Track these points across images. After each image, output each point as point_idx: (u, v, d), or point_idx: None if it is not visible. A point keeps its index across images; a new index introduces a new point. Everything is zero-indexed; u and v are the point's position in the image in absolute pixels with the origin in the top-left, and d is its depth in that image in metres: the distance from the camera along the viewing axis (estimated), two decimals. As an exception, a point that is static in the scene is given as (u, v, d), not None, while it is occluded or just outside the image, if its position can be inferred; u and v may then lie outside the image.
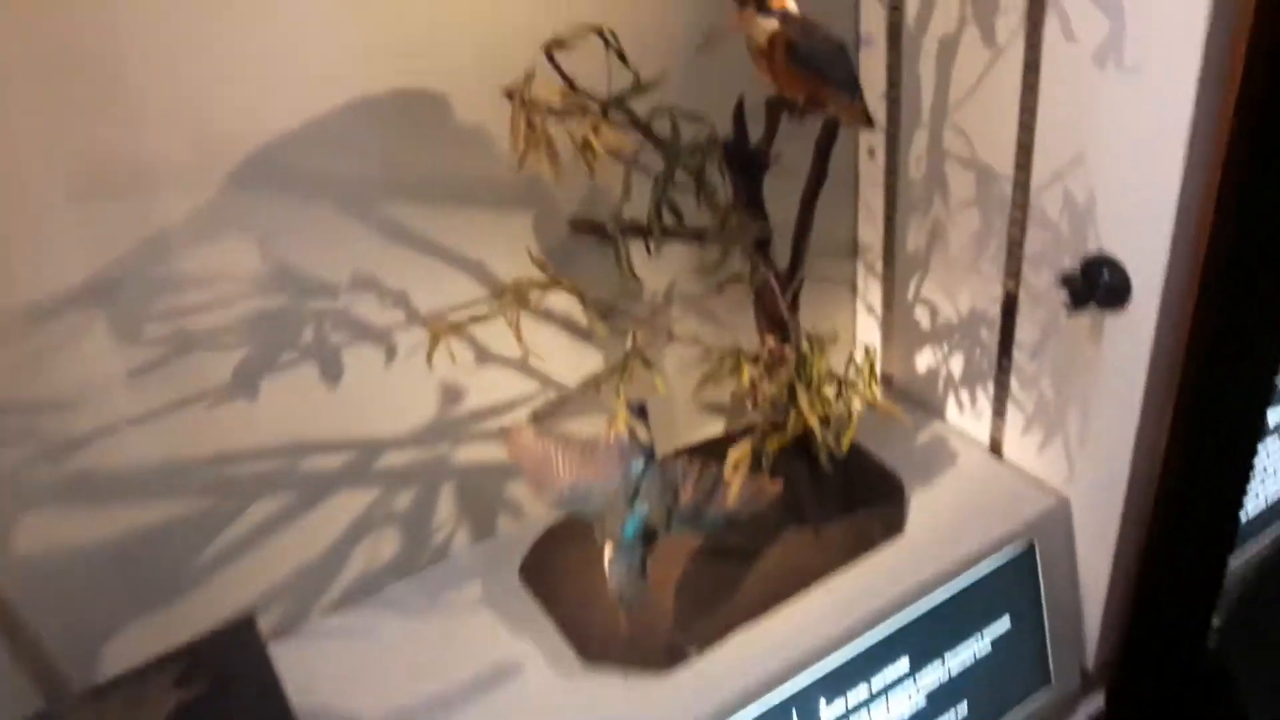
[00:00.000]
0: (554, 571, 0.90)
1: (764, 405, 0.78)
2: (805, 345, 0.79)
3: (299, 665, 0.84)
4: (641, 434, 0.79)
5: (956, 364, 1.02)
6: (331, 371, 0.82)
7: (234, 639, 0.82)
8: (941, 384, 1.05)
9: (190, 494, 0.79)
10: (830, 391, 0.79)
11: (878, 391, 0.82)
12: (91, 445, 0.74)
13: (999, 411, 0.99)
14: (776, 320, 0.84)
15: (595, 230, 0.86)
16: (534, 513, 0.96)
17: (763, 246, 0.81)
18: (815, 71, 0.73)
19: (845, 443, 0.83)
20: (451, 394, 0.88)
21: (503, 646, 0.85)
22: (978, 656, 0.92)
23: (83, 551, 0.76)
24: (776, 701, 0.81)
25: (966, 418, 1.03)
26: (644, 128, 0.74)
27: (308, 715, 0.79)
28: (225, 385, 0.78)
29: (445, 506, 0.92)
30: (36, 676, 0.70)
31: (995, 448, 1.01)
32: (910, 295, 1.04)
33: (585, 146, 0.69)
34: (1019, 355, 0.94)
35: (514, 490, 0.95)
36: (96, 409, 0.73)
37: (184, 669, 0.79)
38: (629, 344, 0.80)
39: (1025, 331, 0.93)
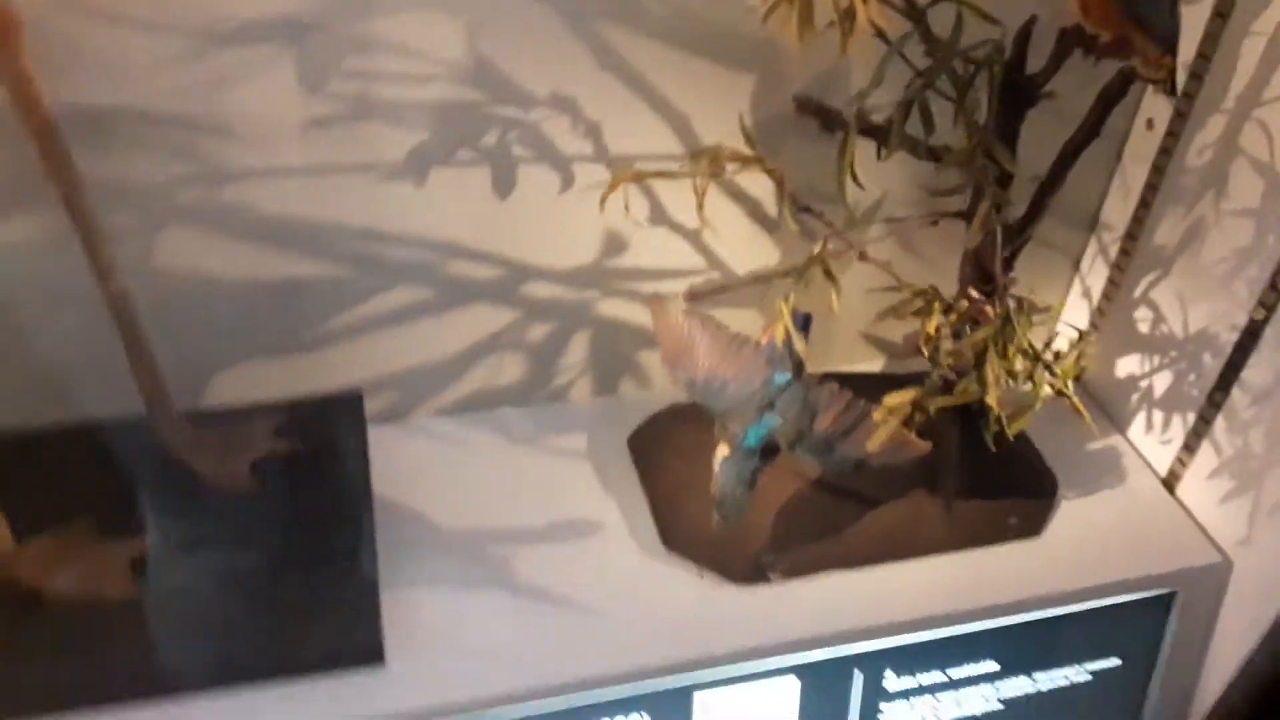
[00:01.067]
0: (662, 450, 0.86)
1: (943, 359, 0.70)
2: (1013, 309, 0.70)
3: (391, 454, 0.84)
4: (798, 346, 0.73)
5: (1162, 381, 0.91)
6: (504, 184, 0.78)
7: (338, 410, 0.82)
8: (1136, 397, 0.94)
9: (332, 259, 0.78)
10: (1020, 366, 0.70)
11: (1069, 384, 0.73)
12: (249, 182, 0.72)
13: (1190, 446, 0.88)
14: (986, 273, 0.75)
15: (823, 116, 0.78)
16: (660, 386, 0.92)
17: (1003, 187, 0.72)
18: (1134, 12, 0.62)
19: (1017, 427, 0.74)
20: (614, 244, 0.83)
21: (590, 503, 0.82)
22: (1071, 684, 0.85)
23: (215, 283, 0.77)
24: (843, 655, 0.76)
25: (1150, 441, 0.92)
26: (920, 13, 0.65)
27: (384, 501, 0.79)
28: (396, 164, 0.75)
29: (576, 351, 0.89)
30: (144, 389, 0.72)
31: (1170, 482, 0.90)
32: (1138, 292, 0.92)
33: (847, 15, 0.61)
34: (1238, 394, 0.83)
35: (647, 358, 0.91)
36: (263, 148, 0.71)
37: (284, 421, 0.80)
38: (816, 249, 0.73)
39: (1256, 372, 0.81)
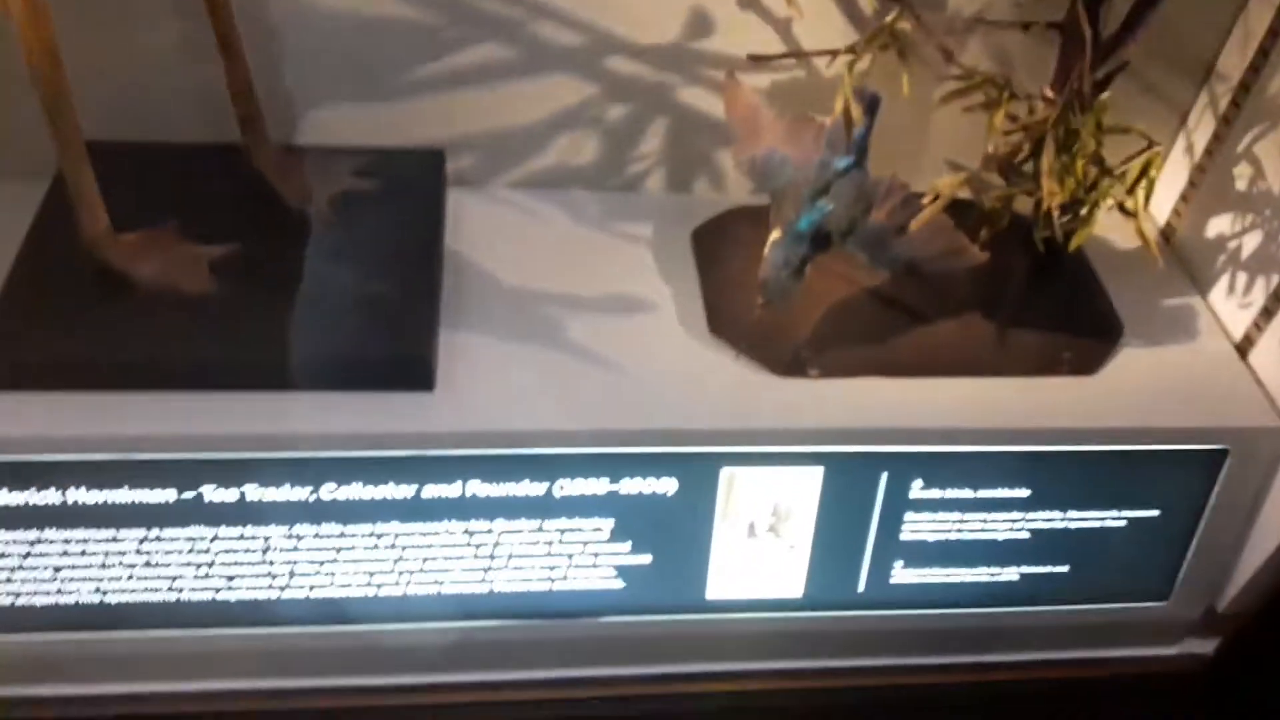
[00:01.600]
0: (723, 245, 0.87)
1: (999, 147, 0.69)
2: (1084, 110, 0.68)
3: (463, 216, 0.87)
4: (860, 129, 0.72)
5: (1251, 242, 0.87)
6: (596, -55, 0.79)
7: (420, 163, 0.86)
8: (1222, 259, 0.90)
9: (423, 5, 0.81)
10: (1084, 170, 0.68)
11: (1141, 200, 0.71)
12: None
13: (1269, 311, 0.85)
14: (1075, 91, 0.73)
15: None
16: (733, 190, 0.93)
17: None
18: None
19: (1076, 240, 0.73)
20: (699, 23, 0.83)
21: (647, 286, 0.84)
22: (1105, 528, 0.84)
23: (309, 13, 0.80)
24: (872, 453, 0.78)
25: (1229, 305, 0.89)
26: None
27: (451, 254, 0.83)
28: (494, -89, 0.77)
29: (653, 141, 0.90)
30: (241, 115, 0.77)
31: (1243, 347, 0.87)
32: (1241, 147, 0.88)
33: None
34: (1326, 257, 0.80)
35: (723, 158, 0.92)
36: None
37: (366, 165, 0.83)
38: (889, 20, 0.71)
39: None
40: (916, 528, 0.82)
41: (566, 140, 0.89)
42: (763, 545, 0.81)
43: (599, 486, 0.77)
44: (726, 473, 0.77)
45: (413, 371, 0.74)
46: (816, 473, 0.78)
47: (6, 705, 0.80)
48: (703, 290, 0.84)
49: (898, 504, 0.81)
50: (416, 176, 0.85)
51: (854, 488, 0.79)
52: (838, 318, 0.82)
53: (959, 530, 0.83)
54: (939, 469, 0.80)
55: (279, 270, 0.76)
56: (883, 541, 0.82)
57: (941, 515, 0.82)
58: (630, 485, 0.77)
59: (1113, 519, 0.84)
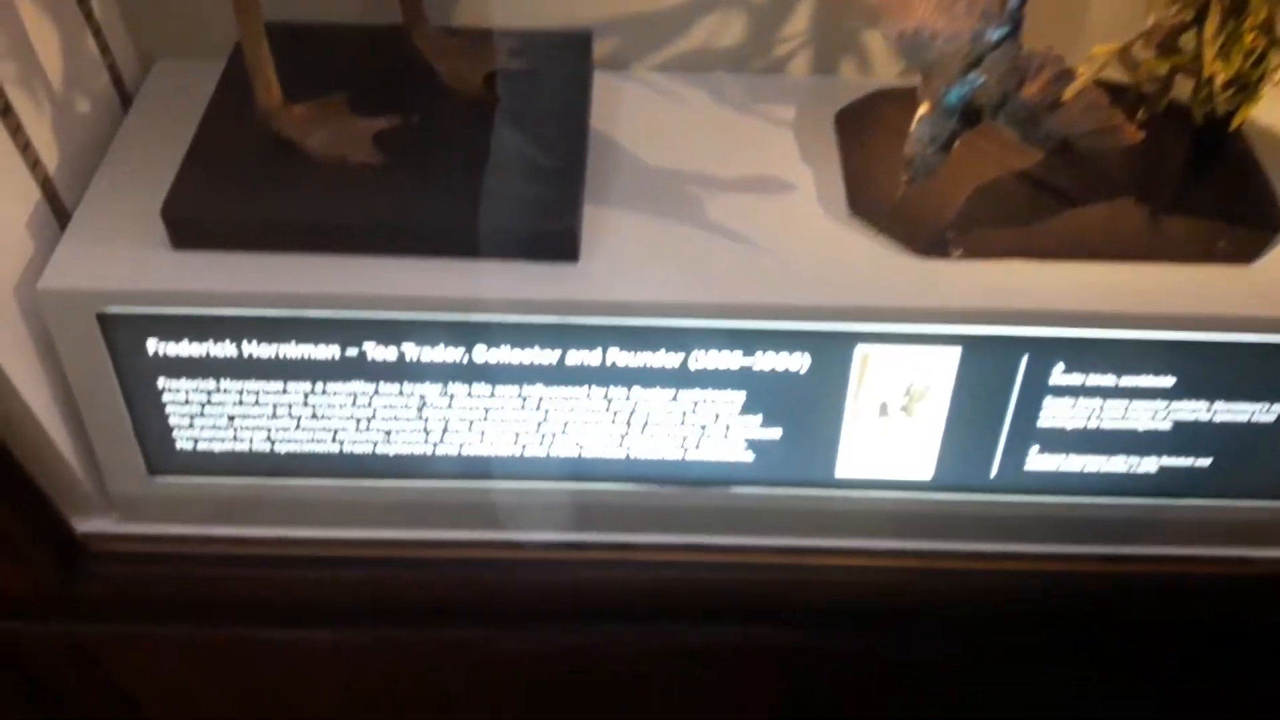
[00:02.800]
0: (867, 127, 0.87)
1: (1161, 19, 0.66)
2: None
3: (608, 97, 0.89)
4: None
5: None
6: None
7: (567, 45, 0.88)
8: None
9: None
10: (1252, 41, 0.66)
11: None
12: None
13: None
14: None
15: None
16: (879, 70, 0.92)
17: None
18: None
19: (1239, 118, 0.70)
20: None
21: (787, 168, 0.85)
22: (1252, 423, 0.82)
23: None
24: (1012, 335, 0.77)
25: None
26: None
27: (597, 133, 0.85)
28: None
29: (798, 22, 0.90)
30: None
31: None
32: None
33: None
34: None
35: (870, 39, 0.91)
36: None
37: (518, 46, 0.86)
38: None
39: None
40: (1055, 413, 0.81)
41: (711, 22, 0.90)
42: (894, 425, 0.82)
43: (733, 360, 0.79)
44: (861, 350, 0.78)
45: (560, 243, 0.77)
46: (953, 353, 0.78)
47: (185, 542, 0.88)
48: (844, 172, 0.84)
49: (1037, 389, 0.80)
50: (565, 58, 0.87)
51: (992, 370, 0.79)
52: (984, 197, 0.81)
53: (1099, 418, 0.82)
54: (1082, 354, 0.79)
55: (437, 144, 0.79)
56: (1019, 426, 0.82)
57: (1082, 402, 0.81)
58: (763, 360, 0.79)
59: (1261, 413, 0.82)
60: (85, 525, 0.88)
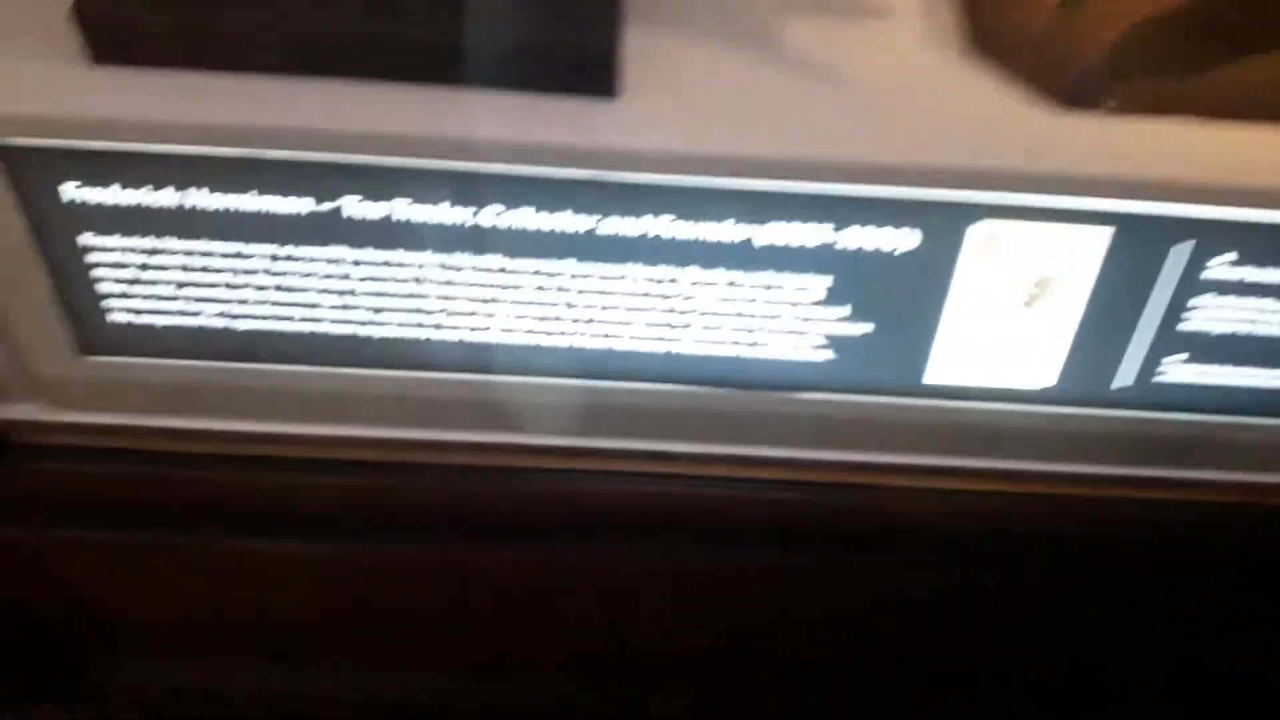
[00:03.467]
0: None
1: None
2: None
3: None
4: None
5: None
6: None
7: None
8: None
9: None
10: None
11: None
12: None
13: None
14: None
15: None
16: None
17: None
18: None
19: None
20: None
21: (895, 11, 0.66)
22: None
23: None
24: (1173, 215, 0.60)
25: None
26: None
27: None
28: None
29: None
30: None
31: None
32: None
33: None
34: None
35: None
36: None
37: None
38: None
39: None
40: (1212, 314, 0.65)
41: None
42: (1011, 324, 0.66)
43: (816, 234, 0.62)
44: (983, 228, 0.61)
45: (592, 72, 0.59)
46: (1101, 235, 0.62)
47: (127, 434, 0.73)
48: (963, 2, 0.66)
49: (1193, 282, 0.64)
50: None
51: (1144, 257, 0.62)
52: (1144, 40, 0.62)
53: (1256, 322, 0.66)
54: (1256, 242, 0.62)
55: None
56: (1165, 328, 0.66)
57: (1242, 301, 0.65)
58: (855, 236, 0.62)
59: None
60: (6, 412, 0.72)
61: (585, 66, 0.59)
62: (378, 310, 0.66)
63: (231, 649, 0.98)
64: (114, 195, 0.60)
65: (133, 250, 0.63)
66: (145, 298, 0.65)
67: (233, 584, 0.84)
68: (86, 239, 0.62)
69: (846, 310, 0.65)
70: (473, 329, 0.67)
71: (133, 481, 0.74)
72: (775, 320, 0.66)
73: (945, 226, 0.61)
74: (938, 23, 0.65)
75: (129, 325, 0.67)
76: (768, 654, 0.85)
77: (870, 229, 0.61)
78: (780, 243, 0.62)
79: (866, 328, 0.66)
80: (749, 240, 0.62)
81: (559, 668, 0.89)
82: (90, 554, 0.81)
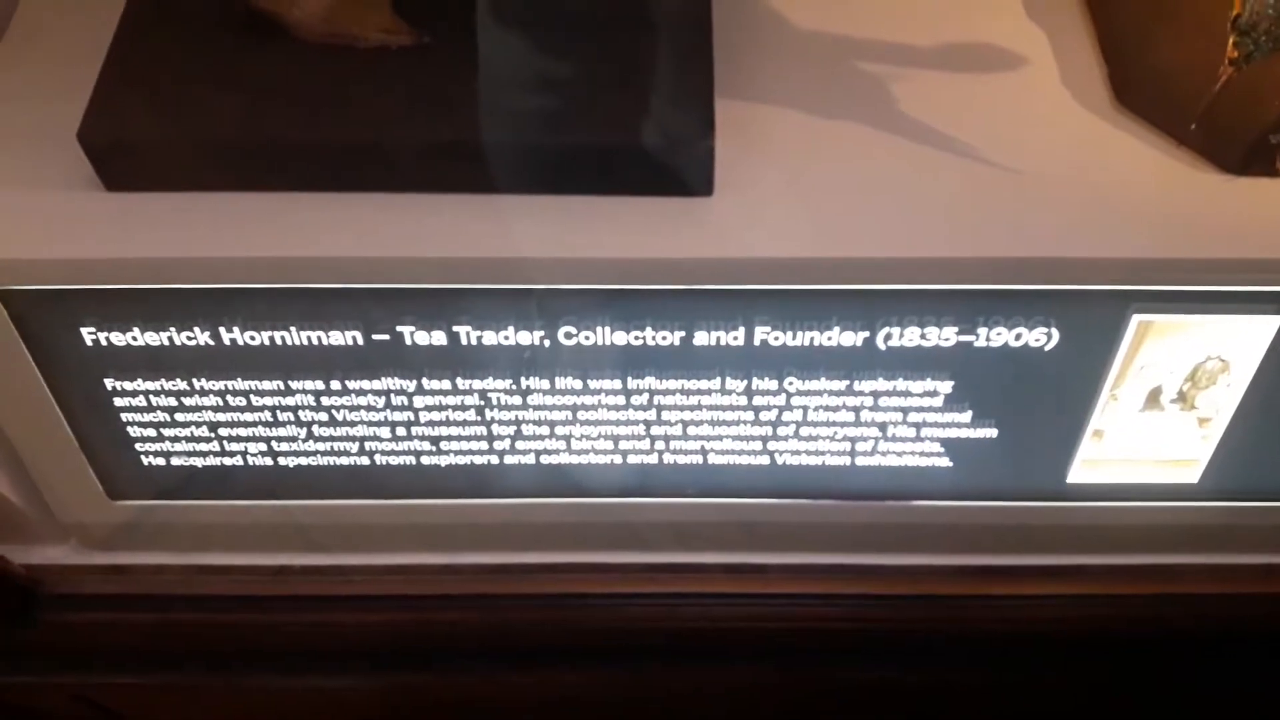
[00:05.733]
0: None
1: None
2: None
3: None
4: None
5: None
6: None
7: None
8: None
9: None
10: None
11: None
12: None
13: None
14: None
15: None
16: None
17: None
18: None
19: None
20: None
21: (1006, 32, 0.57)
22: None
23: None
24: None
25: None
26: None
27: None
28: None
29: None
30: None
31: None
32: None
33: None
34: None
35: None
36: None
37: None
38: None
39: None
40: (1398, 403, 0.56)
41: None
42: (1161, 419, 0.57)
43: (942, 335, 0.53)
44: (1139, 320, 0.53)
45: (687, 169, 0.51)
46: (1270, 324, 0.53)
47: (172, 574, 0.66)
48: (1099, 40, 0.57)
49: (1378, 368, 0.55)
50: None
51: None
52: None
53: None
54: None
55: (497, 27, 0.52)
56: (1342, 419, 0.57)
57: None
58: (986, 336, 0.53)
59: None
60: (35, 556, 0.65)
61: (679, 166, 0.50)
62: (437, 440, 0.58)
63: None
64: (137, 338, 0.53)
65: (162, 392, 0.56)
66: (179, 439, 0.58)
67: (274, 715, 0.77)
68: (111, 384, 0.55)
69: (972, 416, 0.57)
70: (547, 453, 0.59)
71: (165, 626, 0.66)
72: (889, 428, 0.58)
73: (1096, 320, 0.52)
74: (1075, 73, 0.56)
75: (162, 468, 0.59)
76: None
77: (1003, 328, 0.53)
78: (900, 345, 0.54)
79: (996, 432, 0.58)
80: (866, 343, 0.53)
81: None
82: (127, 692, 0.74)
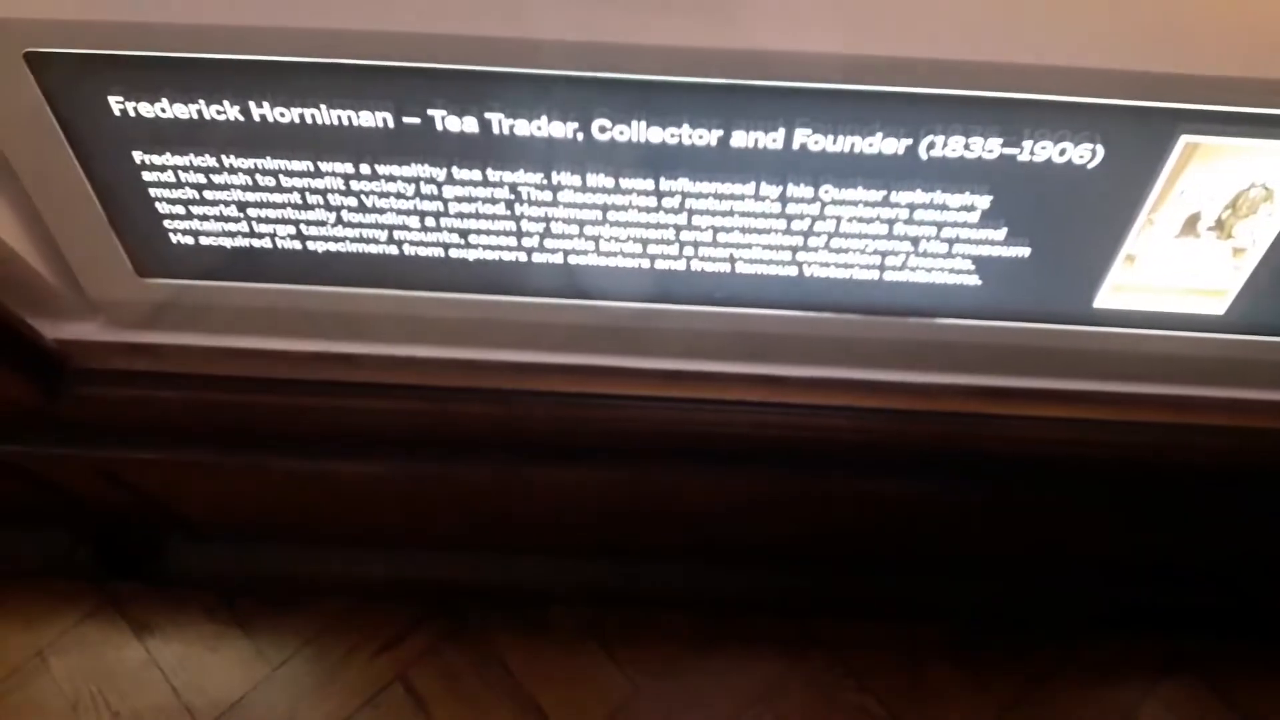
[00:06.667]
0: None
1: None
2: None
3: None
4: None
5: None
6: None
7: None
8: None
9: None
10: None
11: None
12: None
13: None
14: None
15: None
16: None
17: None
18: None
19: None
20: None
21: None
22: None
23: None
24: None
25: None
26: None
27: None
28: None
29: None
30: None
31: None
32: None
33: None
34: None
35: None
36: None
37: None
38: None
39: None
40: None
41: None
42: (1196, 247, 0.57)
43: (986, 147, 0.52)
44: (1186, 141, 0.51)
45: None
46: (1325, 148, 0.52)
47: (194, 355, 0.67)
48: None
49: None
50: None
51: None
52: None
53: None
54: None
55: None
56: (1384, 255, 0.56)
57: None
58: (1030, 150, 0.52)
59: None
60: (64, 331, 0.66)
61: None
62: (465, 234, 0.58)
63: (294, 537, 0.96)
64: (167, 108, 0.52)
65: (191, 168, 0.55)
66: (208, 218, 0.58)
67: (295, 495, 0.80)
68: (140, 157, 0.55)
69: (1007, 233, 0.56)
70: (575, 253, 0.59)
71: (194, 406, 0.68)
72: (921, 243, 0.57)
73: (1143, 138, 0.51)
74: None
75: (194, 246, 0.60)
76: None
77: (1048, 141, 0.52)
78: (942, 155, 0.53)
79: (1029, 251, 0.57)
80: (908, 152, 0.53)
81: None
82: (153, 469, 0.77)
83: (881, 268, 0.59)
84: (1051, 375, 0.66)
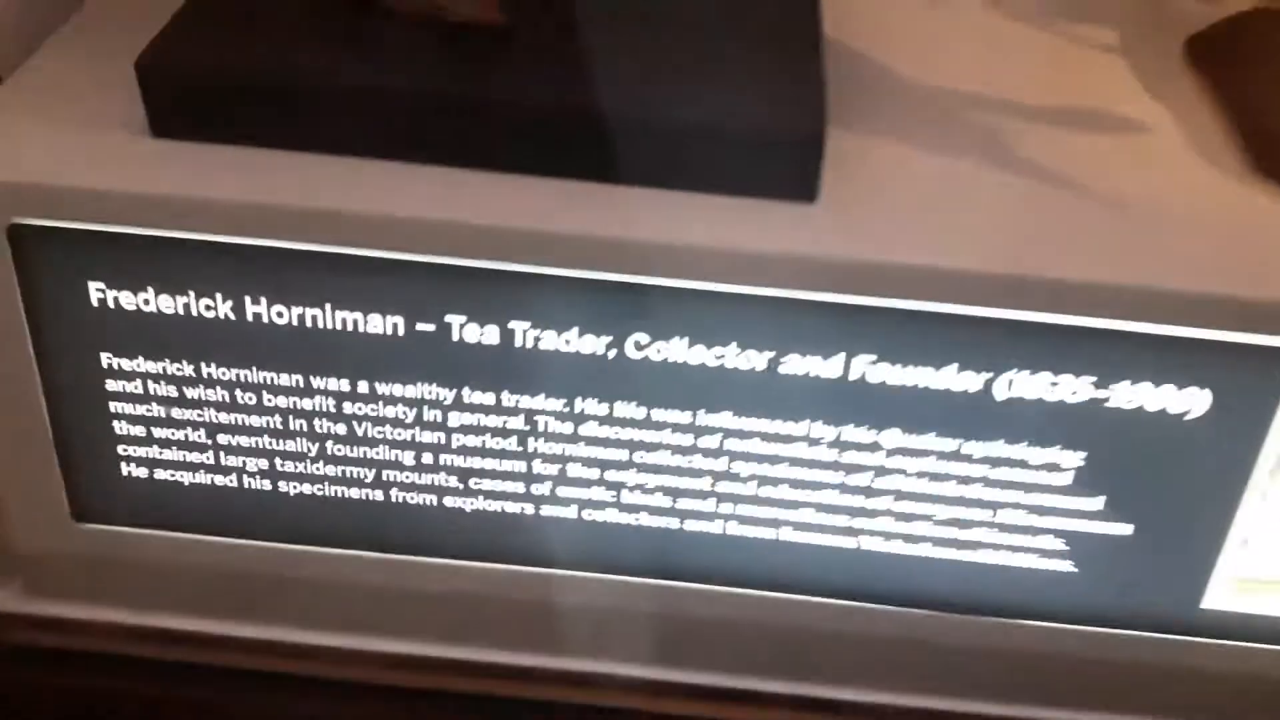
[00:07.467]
0: (1241, 57, 0.55)
1: None
2: None
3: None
4: None
5: None
6: None
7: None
8: None
9: None
10: None
11: None
12: None
13: None
14: None
15: None
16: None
17: None
18: None
19: None
20: None
21: (1126, 102, 0.54)
22: None
23: None
24: None
25: None
26: None
27: (838, 45, 0.55)
28: None
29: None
30: None
31: None
32: None
33: None
34: None
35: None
36: None
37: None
38: None
39: None
40: None
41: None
42: (1325, 526, 0.48)
43: (1073, 388, 0.46)
44: (1308, 384, 0.45)
45: (792, 166, 0.46)
46: None
47: (120, 635, 0.55)
48: (1228, 110, 0.53)
49: None
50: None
51: None
52: None
53: None
54: None
55: (599, 10, 0.50)
56: None
57: None
58: (1126, 394, 0.46)
59: None
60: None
61: (785, 161, 0.45)
62: (466, 475, 0.50)
63: None
64: (150, 300, 0.46)
65: (164, 377, 0.48)
66: (168, 444, 0.50)
67: None
68: (108, 359, 0.48)
69: (1106, 500, 0.48)
70: (590, 505, 0.50)
71: (123, 698, 0.55)
72: (999, 512, 0.49)
73: (1254, 382, 0.45)
74: (1198, 137, 0.52)
75: (141, 481, 0.51)
76: None
77: (1149, 384, 0.45)
78: (1022, 396, 0.46)
79: (1133, 529, 0.49)
80: (984, 391, 0.46)
81: None
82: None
83: (957, 544, 0.50)
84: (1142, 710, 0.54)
